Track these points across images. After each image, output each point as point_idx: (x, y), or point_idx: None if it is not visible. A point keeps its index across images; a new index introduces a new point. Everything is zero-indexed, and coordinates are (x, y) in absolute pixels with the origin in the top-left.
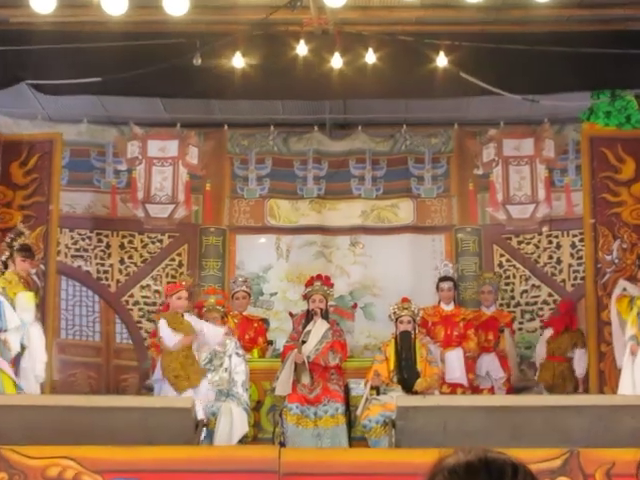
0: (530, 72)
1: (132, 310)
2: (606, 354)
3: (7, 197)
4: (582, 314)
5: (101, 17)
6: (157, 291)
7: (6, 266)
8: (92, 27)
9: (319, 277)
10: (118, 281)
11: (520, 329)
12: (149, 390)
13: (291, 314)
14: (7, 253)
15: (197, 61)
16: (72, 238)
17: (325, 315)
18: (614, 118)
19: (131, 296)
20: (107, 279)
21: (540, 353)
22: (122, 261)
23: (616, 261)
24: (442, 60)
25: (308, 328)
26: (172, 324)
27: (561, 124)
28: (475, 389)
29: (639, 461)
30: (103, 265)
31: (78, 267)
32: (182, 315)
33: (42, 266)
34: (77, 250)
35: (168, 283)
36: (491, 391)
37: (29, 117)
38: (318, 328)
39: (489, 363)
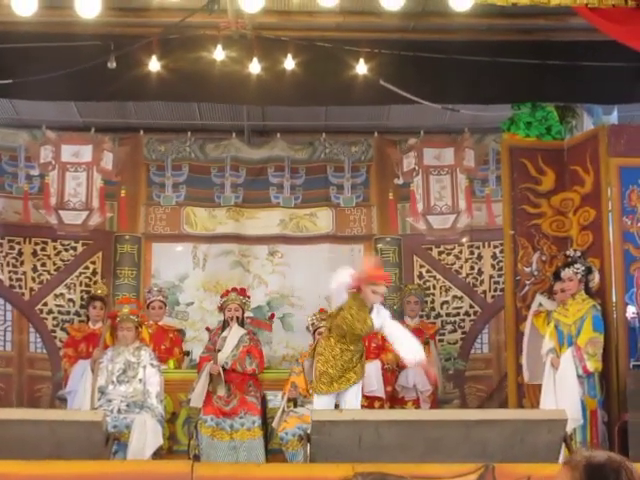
0: (451, 81)
1: (46, 319)
2: (523, 367)
3: None
4: (502, 325)
5: (12, 17)
6: (71, 300)
7: None
8: (2, 27)
9: (234, 289)
10: (32, 289)
11: (441, 340)
12: (62, 401)
13: (208, 329)
14: None
15: (112, 64)
16: None
17: (241, 324)
18: (534, 129)
19: (45, 305)
20: (20, 287)
21: None
22: (35, 269)
23: (535, 273)
24: (362, 67)
25: (224, 334)
26: None
27: (481, 134)
28: (400, 401)
29: (554, 476)
30: (16, 273)
31: None
32: None
33: None
34: None
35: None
36: (416, 403)
37: None
38: (234, 334)
39: (415, 375)
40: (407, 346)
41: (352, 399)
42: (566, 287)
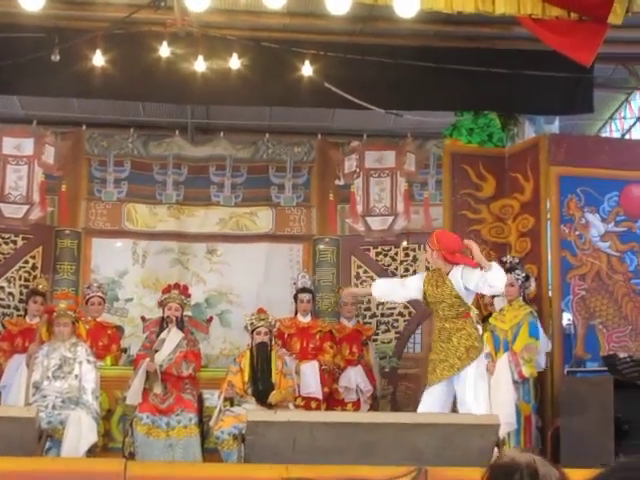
0: (395, 86)
1: None
2: None
3: None
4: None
5: None
6: (11, 293)
7: None
8: None
9: (177, 286)
10: None
11: (375, 340)
12: None
13: (143, 318)
14: None
15: (55, 57)
16: None
17: (180, 324)
18: (476, 135)
19: None
20: None
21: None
22: None
23: None
24: (307, 69)
25: (162, 336)
26: None
27: (423, 139)
28: (340, 402)
29: (481, 477)
30: None
31: None
32: None
33: None
34: None
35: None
36: (356, 405)
37: None
38: (172, 337)
39: (357, 376)
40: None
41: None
42: (506, 293)
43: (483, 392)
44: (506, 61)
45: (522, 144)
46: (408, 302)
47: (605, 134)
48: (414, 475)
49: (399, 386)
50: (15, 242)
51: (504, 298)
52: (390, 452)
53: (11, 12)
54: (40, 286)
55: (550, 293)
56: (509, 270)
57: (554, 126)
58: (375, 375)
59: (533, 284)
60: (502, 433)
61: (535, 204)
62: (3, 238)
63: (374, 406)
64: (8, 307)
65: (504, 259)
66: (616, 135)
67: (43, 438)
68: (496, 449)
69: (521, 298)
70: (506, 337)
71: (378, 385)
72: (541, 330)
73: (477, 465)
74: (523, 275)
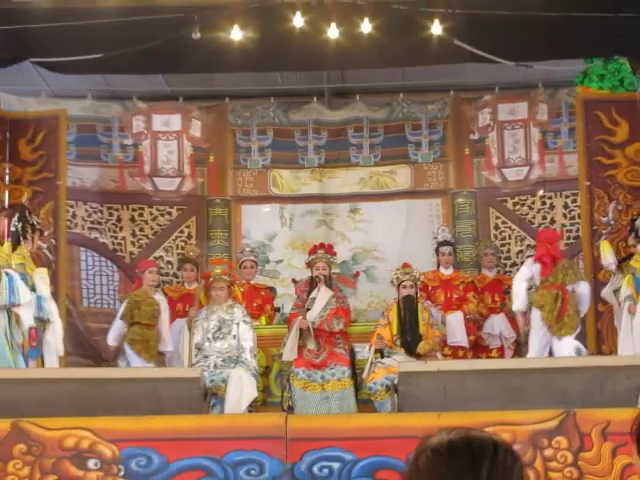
0: (524, 38)
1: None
2: (603, 313)
3: (16, 174)
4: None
5: None
6: (169, 262)
7: (18, 241)
8: (91, 4)
9: (322, 245)
10: (132, 253)
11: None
12: (160, 354)
13: (294, 280)
14: (16, 228)
15: (196, 35)
16: (86, 211)
17: (328, 282)
18: (607, 81)
19: None
20: (121, 251)
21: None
22: (134, 234)
23: (612, 222)
24: (436, 28)
25: (312, 295)
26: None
27: (554, 88)
28: (484, 349)
29: (633, 420)
30: (116, 238)
31: (95, 239)
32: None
33: (53, 240)
34: (92, 223)
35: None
36: (500, 351)
37: (34, 94)
38: (322, 295)
39: (500, 323)
40: None
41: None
42: None
43: None
44: (633, 4)
45: None
46: None
47: None
48: (562, 417)
49: None
50: (170, 213)
51: None
52: (538, 396)
53: None
54: (191, 253)
55: None
56: None
57: None
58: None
59: None
60: None
61: None
62: (159, 210)
63: (517, 351)
64: (167, 274)
65: None
66: None
67: (208, 396)
68: None
69: None
70: None
71: (521, 331)
72: None
73: (624, 406)
74: None
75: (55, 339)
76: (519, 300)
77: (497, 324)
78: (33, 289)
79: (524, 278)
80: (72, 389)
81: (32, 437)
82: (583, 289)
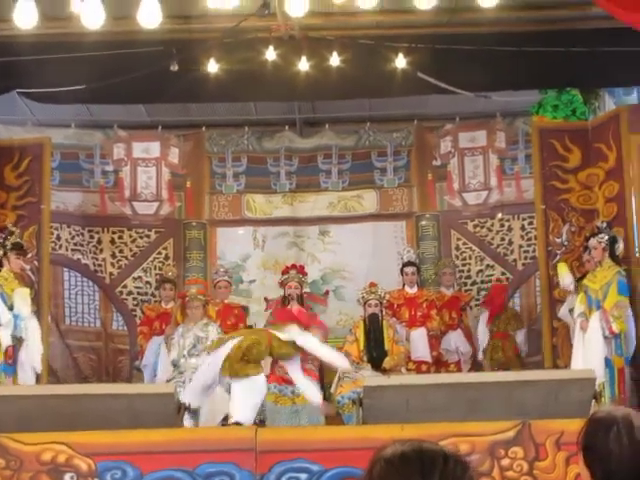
0: (482, 71)
1: (126, 300)
2: (558, 329)
3: (1, 198)
4: (531, 292)
5: (82, 28)
6: (148, 282)
7: (1, 264)
8: (74, 38)
9: (294, 266)
10: (111, 274)
11: (477, 305)
12: (138, 370)
13: (266, 299)
14: (0, 252)
15: (174, 67)
16: (70, 233)
17: (300, 300)
18: (561, 111)
19: (124, 287)
20: (102, 272)
21: (483, 334)
22: (114, 255)
23: (565, 243)
24: (401, 61)
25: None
26: None
27: (512, 117)
28: (444, 364)
29: (580, 430)
30: (97, 259)
31: (77, 260)
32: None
33: (36, 262)
34: (75, 245)
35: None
36: (458, 365)
37: (20, 123)
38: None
39: (457, 339)
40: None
41: None
42: (593, 255)
43: None
44: (584, 40)
45: (604, 116)
46: (505, 269)
47: None
48: (519, 428)
49: None
50: (149, 236)
51: None
52: (496, 408)
53: (133, 30)
54: (170, 273)
55: (637, 254)
56: (594, 235)
57: (632, 97)
58: (474, 338)
59: (622, 245)
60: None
61: (619, 171)
62: (138, 233)
63: (474, 366)
64: (145, 294)
65: (598, 225)
66: None
67: (181, 410)
68: (594, 401)
69: (609, 259)
70: (597, 296)
71: (479, 346)
72: None
73: (576, 416)
74: (606, 238)
75: (31, 357)
76: None
77: (454, 340)
78: (11, 308)
79: None
80: (49, 405)
81: (10, 452)
82: None
